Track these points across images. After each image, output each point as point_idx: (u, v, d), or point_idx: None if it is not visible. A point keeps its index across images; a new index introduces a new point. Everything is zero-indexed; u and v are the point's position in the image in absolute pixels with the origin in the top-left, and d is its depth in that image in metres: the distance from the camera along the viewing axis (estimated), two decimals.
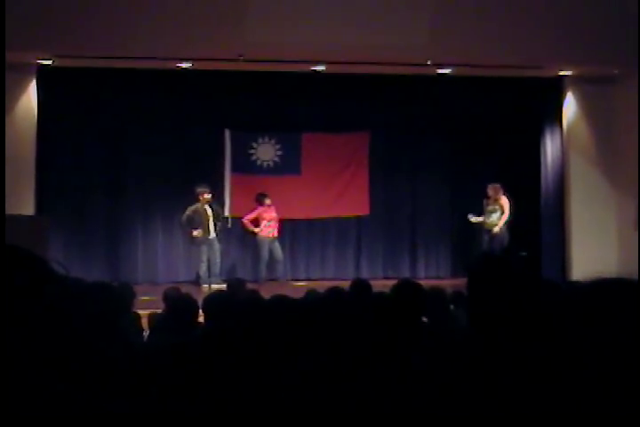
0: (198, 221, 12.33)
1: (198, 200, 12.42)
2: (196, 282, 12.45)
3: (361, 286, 5.81)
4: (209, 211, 12.45)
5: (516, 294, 2.74)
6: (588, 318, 0.98)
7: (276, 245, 13.04)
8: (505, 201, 12.57)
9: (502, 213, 12.54)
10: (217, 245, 12.54)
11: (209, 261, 12.45)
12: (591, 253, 12.56)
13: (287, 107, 13.56)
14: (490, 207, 12.63)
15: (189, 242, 12.69)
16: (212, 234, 12.47)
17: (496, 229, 12.42)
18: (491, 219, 12.57)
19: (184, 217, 12.39)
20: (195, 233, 12.35)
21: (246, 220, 13.03)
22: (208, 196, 12.45)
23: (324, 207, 13.78)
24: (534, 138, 13.65)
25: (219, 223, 12.60)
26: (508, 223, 12.54)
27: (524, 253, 12.99)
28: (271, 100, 13.33)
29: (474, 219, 12.68)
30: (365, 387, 2.64)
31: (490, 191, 12.69)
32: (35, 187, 11.93)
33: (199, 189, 12.41)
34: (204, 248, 12.41)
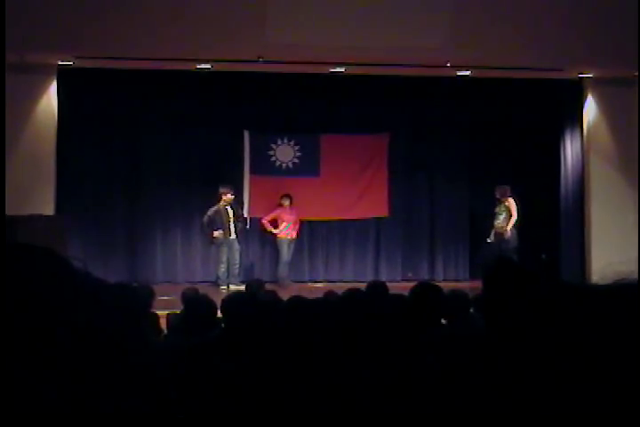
0: (219, 221, 12.33)
1: (220, 200, 12.43)
2: (215, 283, 12.46)
3: (377, 287, 5.80)
4: (230, 212, 12.46)
5: (530, 297, 2.73)
6: (606, 323, 0.97)
7: (292, 246, 13.09)
8: (512, 203, 12.43)
9: (509, 214, 12.41)
10: (237, 246, 12.56)
11: (228, 261, 12.46)
12: (611, 256, 12.47)
13: (306, 108, 13.57)
14: (497, 209, 12.53)
15: (210, 242, 12.69)
16: (233, 235, 12.48)
17: (507, 234, 12.26)
18: (497, 221, 12.47)
19: (205, 218, 12.39)
20: (215, 234, 12.35)
21: (265, 220, 13.07)
22: (230, 196, 12.46)
23: (343, 209, 13.77)
24: (554, 140, 13.60)
25: (239, 224, 12.61)
26: (519, 225, 12.40)
27: (543, 256, 12.94)
28: (290, 102, 13.34)
29: (492, 237, 12.56)
30: (382, 387, 2.63)
31: (497, 193, 12.59)
32: (54, 187, 11.99)
33: (222, 190, 12.43)
34: (224, 249, 12.42)
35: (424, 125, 13.90)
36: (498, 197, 12.53)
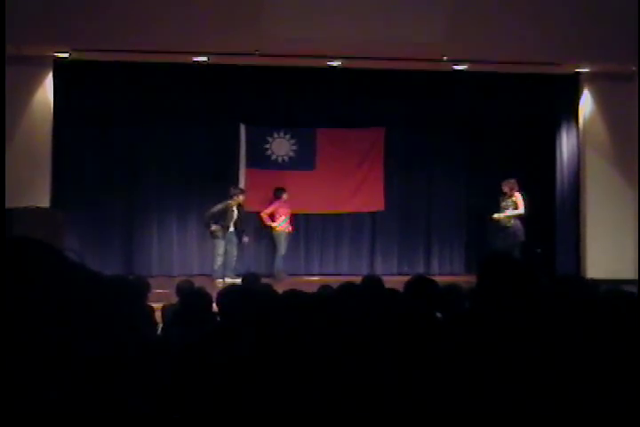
0: (223, 218, 12.31)
1: (231, 198, 12.39)
2: (211, 275, 12.44)
3: (373, 281, 5.80)
4: (236, 211, 12.45)
5: (524, 291, 2.74)
6: (605, 321, 0.97)
7: (288, 240, 13.10)
8: (519, 197, 12.38)
9: (515, 209, 12.34)
10: (235, 240, 12.54)
11: (226, 254, 12.45)
12: (606, 251, 12.51)
13: (302, 102, 13.55)
14: (503, 203, 12.45)
15: (210, 235, 12.63)
16: (231, 228, 12.46)
17: (499, 216, 12.17)
18: (504, 215, 12.42)
19: (211, 211, 12.33)
20: (213, 227, 12.32)
21: (264, 214, 13.05)
22: (242, 198, 12.48)
23: (339, 203, 13.77)
24: (550, 135, 13.60)
25: (240, 222, 12.57)
26: (524, 220, 12.34)
27: (538, 250, 12.94)
28: (286, 95, 13.33)
29: (496, 215, 12.40)
30: (377, 382, 2.63)
31: (505, 188, 12.49)
32: (50, 180, 11.98)
33: (235, 190, 12.48)
34: (221, 242, 12.40)
35: (420, 119, 13.86)
36: (505, 191, 12.42)
